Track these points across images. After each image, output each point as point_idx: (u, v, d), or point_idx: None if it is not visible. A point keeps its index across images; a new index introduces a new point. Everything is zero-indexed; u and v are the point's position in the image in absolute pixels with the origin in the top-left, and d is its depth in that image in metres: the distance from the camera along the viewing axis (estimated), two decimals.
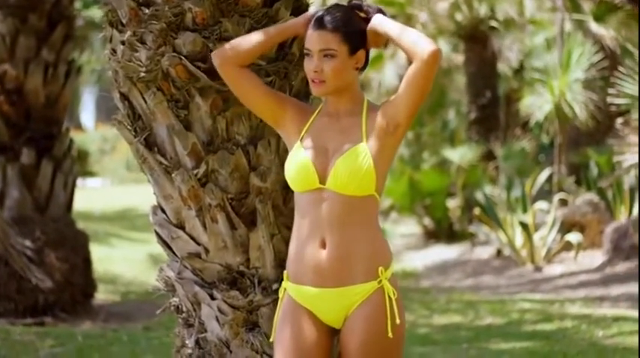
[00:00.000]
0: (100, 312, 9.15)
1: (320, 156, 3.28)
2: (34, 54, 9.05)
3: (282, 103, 3.39)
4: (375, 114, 3.28)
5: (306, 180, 3.27)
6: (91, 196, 19.98)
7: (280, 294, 3.37)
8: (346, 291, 3.24)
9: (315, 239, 3.25)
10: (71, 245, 9.04)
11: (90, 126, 37.40)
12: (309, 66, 3.26)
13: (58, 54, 9.17)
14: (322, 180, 3.26)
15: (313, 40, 3.25)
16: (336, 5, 3.33)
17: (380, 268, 3.25)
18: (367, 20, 3.31)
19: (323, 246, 3.24)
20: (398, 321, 3.23)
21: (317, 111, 3.37)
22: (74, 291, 8.96)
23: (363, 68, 3.35)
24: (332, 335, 3.33)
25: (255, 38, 3.39)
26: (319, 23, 3.25)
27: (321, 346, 3.29)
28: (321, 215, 3.25)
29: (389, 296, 3.24)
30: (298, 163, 3.28)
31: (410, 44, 3.20)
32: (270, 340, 3.39)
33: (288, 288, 3.33)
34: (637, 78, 10.63)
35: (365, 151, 3.23)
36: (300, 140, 3.32)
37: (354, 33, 3.26)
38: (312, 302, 3.29)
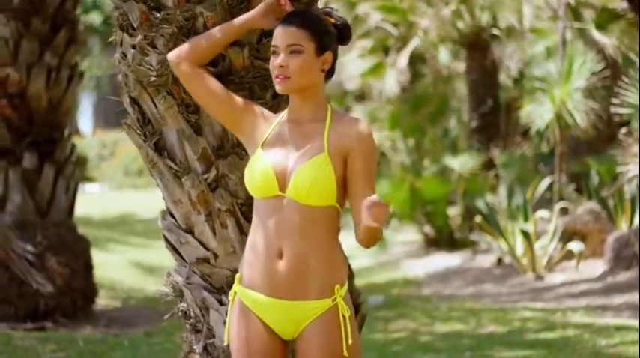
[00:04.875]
0: (100, 317, 9.12)
1: (281, 162, 3.23)
2: (37, 58, 9.01)
3: (243, 107, 3.36)
4: (339, 125, 3.24)
5: (266, 187, 3.23)
6: (89, 202, 19.94)
7: (230, 297, 3.33)
8: (299, 306, 3.21)
9: (273, 248, 3.21)
10: (72, 250, 9.01)
11: (88, 132, 37.36)
12: (275, 62, 3.23)
13: (61, 58, 9.13)
14: (282, 187, 3.22)
15: (280, 35, 3.23)
16: (306, 9, 3.39)
17: (336, 286, 3.22)
18: (336, 26, 3.30)
19: (279, 256, 3.20)
20: (351, 341, 3.20)
21: (280, 117, 3.34)
22: (75, 296, 8.92)
23: (330, 75, 3.31)
24: (284, 344, 3.30)
25: (210, 35, 3.41)
26: (288, 20, 3.24)
27: (277, 353, 3.27)
28: (279, 223, 3.21)
29: (343, 315, 3.21)
30: (258, 169, 3.24)
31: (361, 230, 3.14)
32: (225, 344, 3.37)
33: (239, 292, 3.29)
34: (637, 86, 10.60)
35: (326, 161, 3.19)
36: (262, 145, 3.29)
37: (322, 32, 3.25)
38: (262, 309, 3.25)
